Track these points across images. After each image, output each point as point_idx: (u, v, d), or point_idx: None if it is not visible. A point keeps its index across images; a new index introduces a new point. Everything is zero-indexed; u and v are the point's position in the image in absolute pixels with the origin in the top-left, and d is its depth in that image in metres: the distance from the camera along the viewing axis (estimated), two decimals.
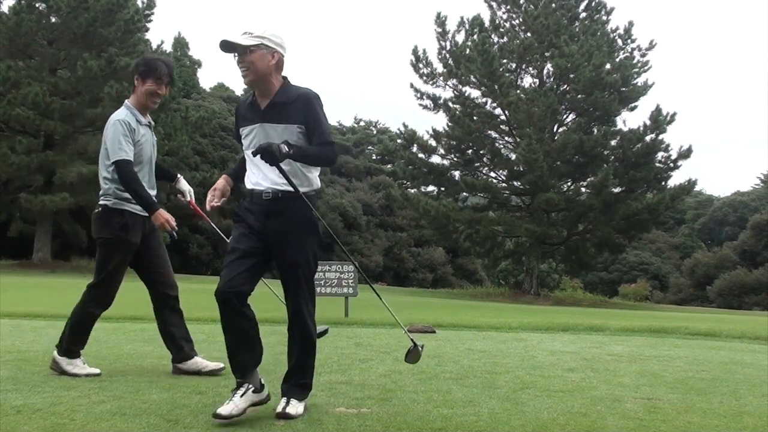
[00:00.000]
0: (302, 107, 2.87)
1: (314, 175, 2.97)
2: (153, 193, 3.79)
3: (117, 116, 3.69)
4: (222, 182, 3.12)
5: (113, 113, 3.77)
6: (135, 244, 3.75)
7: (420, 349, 3.07)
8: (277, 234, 2.85)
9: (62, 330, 3.77)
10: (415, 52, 28.00)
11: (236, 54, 2.88)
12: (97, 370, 3.64)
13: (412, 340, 3.11)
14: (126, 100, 3.81)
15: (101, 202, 3.77)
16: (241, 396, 2.73)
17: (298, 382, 2.88)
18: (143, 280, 3.90)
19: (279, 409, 2.76)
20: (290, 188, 2.81)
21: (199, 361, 3.81)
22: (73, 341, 3.69)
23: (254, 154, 2.79)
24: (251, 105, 2.99)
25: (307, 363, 2.92)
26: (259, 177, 2.90)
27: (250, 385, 2.78)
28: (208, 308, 9.07)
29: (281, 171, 2.77)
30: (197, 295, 14.36)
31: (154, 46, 33.46)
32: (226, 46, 2.86)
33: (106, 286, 3.73)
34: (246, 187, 2.98)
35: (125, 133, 3.62)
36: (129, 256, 3.76)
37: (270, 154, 2.69)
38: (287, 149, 2.73)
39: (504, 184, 29.15)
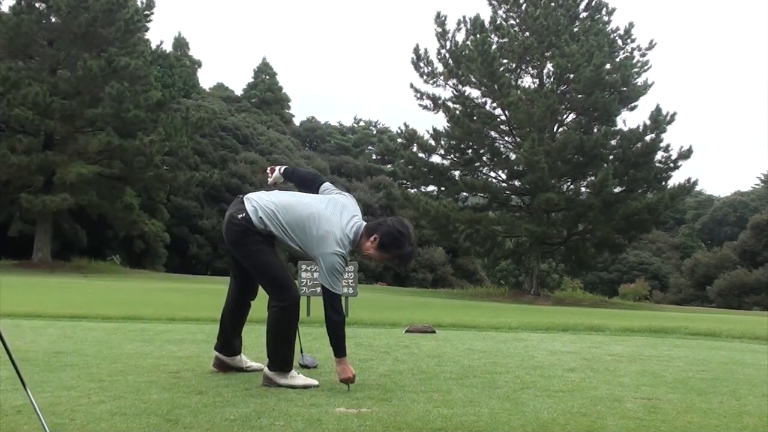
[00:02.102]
0: None
1: None
2: None
3: (341, 247, 3.42)
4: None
5: (336, 231, 3.44)
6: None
7: None
8: None
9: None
10: (416, 51, 28.02)
11: None
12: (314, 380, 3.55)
13: None
14: (354, 228, 3.53)
15: (248, 217, 3.53)
16: None
17: None
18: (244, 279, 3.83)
19: None
20: None
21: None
22: (288, 351, 3.59)
23: None
24: None
25: None
26: None
27: None
28: (208, 308, 9.06)
29: None
30: (197, 295, 14.37)
31: (153, 46, 33.55)
32: None
33: (285, 280, 3.67)
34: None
35: (341, 269, 3.45)
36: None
37: None
38: None
39: (504, 184, 29.15)
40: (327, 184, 3.87)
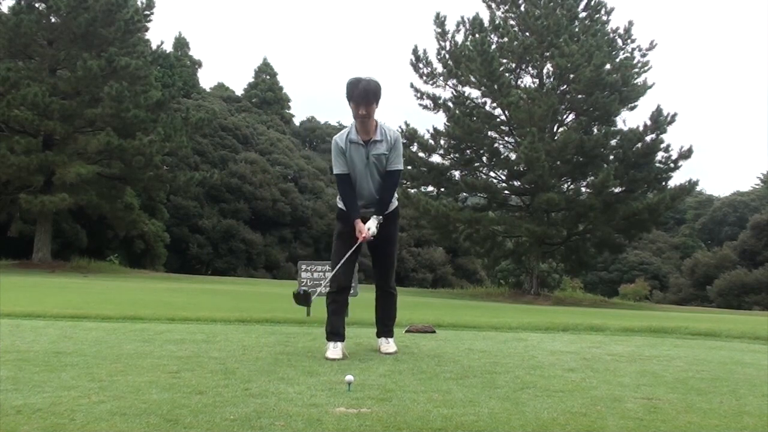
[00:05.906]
0: None
1: None
2: (362, 203, 4.41)
3: (336, 135, 4.41)
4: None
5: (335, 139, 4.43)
6: (349, 233, 4.38)
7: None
8: None
9: None
10: (415, 51, 28.01)
11: None
12: (338, 355, 4.23)
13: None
14: (347, 129, 4.44)
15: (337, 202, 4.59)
16: None
17: None
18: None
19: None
20: None
21: (380, 341, 4.70)
22: (328, 325, 4.42)
23: None
24: None
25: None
26: None
27: None
28: (208, 308, 9.06)
29: None
30: (197, 295, 14.35)
31: (153, 46, 33.51)
32: None
33: (334, 270, 4.38)
34: None
35: (336, 152, 4.37)
36: (348, 244, 4.36)
37: None
38: None
39: (504, 184, 29.13)
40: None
